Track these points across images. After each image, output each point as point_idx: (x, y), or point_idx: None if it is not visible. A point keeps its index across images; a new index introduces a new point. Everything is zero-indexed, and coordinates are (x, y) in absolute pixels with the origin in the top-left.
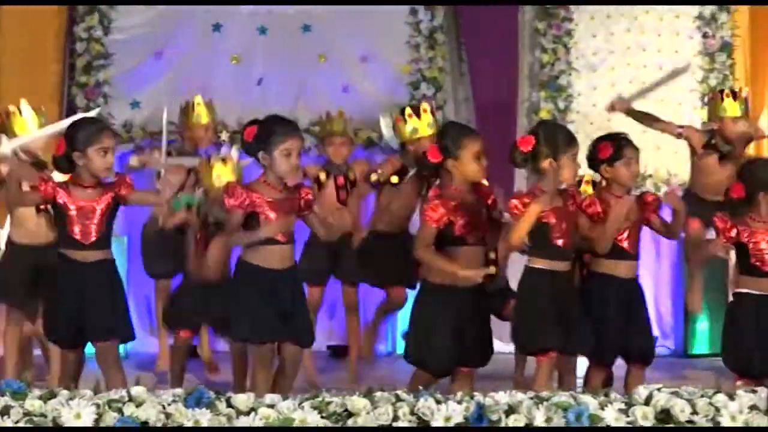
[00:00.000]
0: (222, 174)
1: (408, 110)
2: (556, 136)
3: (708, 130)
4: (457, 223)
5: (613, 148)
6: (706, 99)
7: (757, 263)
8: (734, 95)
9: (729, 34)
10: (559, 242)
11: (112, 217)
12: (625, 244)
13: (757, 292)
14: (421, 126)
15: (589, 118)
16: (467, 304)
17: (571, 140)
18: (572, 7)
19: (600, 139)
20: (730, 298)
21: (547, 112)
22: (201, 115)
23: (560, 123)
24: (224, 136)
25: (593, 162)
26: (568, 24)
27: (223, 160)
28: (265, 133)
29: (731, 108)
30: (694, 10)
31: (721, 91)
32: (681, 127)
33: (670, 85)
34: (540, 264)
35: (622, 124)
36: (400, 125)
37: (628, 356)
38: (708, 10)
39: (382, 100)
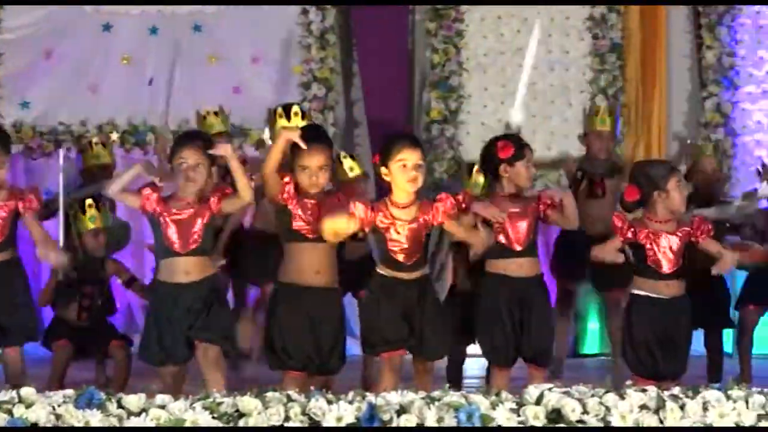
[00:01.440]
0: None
1: (279, 110)
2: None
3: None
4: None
5: (514, 148)
6: (599, 100)
7: (653, 265)
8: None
9: (619, 35)
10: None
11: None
12: (515, 243)
13: (653, 295)
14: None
15: (480, 119)
16: (317, 303)
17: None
18: (463, 8)
19: (498, 138)
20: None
21: (438, 112)
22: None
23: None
24: (114, 136)
25: (491, 161)
26: (459, 25)
27: None
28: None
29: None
30: (584, 11)
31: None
32: None
33: (560, 86)
34: (382, 271)
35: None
36: (273, 125)
37: (524, 357)
38: (598, 11)
39: (273, 100)
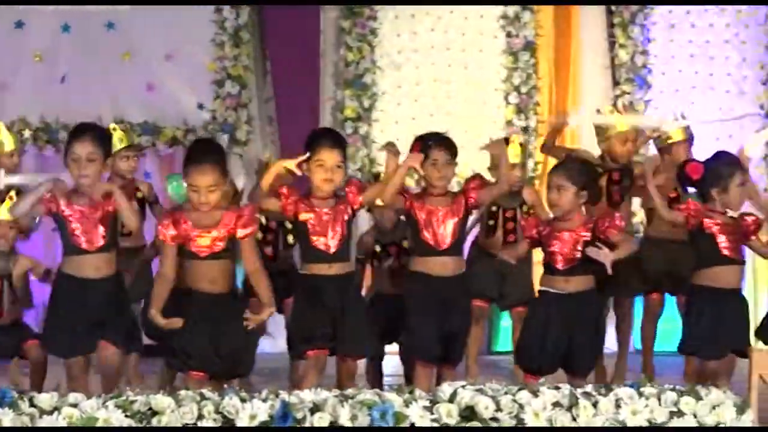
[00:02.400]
0: None
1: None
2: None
3: None
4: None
5: (420, 148)
6: (513, 98)
7: (552, 261)
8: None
9: (532, 34)
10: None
11: None
12: (439, 241)
13: (552, 291)
14: None
15: (394, 117)
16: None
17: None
18: (377, 6)
19: (419, 136)
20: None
21: (352, 110)
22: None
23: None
24: (27, 134)
25: None
26: (373, 23)
27: None
28: None
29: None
30: (498, 9)
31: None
32: None
33: (473, 84)
34: (305, 271)
35: (428, 125)
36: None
37: (439, 356)
38: (512, 9)
39: (187, 98)
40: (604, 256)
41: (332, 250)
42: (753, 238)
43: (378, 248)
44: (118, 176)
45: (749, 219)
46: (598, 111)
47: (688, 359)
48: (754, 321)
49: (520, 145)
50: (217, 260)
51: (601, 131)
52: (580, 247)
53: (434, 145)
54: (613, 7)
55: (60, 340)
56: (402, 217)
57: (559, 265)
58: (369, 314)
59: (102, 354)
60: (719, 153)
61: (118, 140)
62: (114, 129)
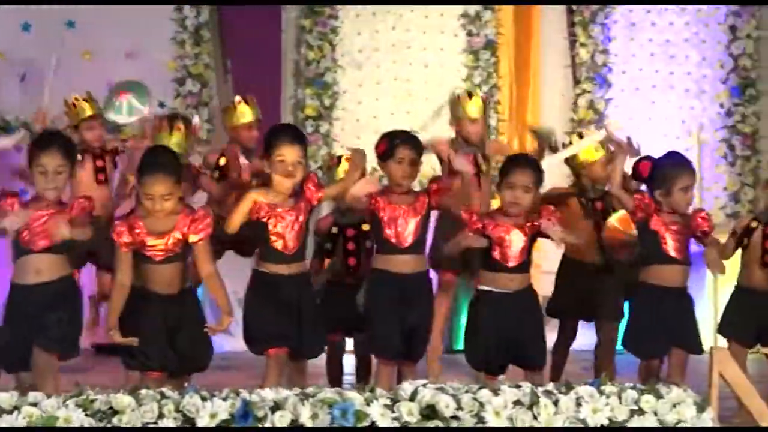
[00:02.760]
0: None
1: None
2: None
3: None
4: None
5: (386, 146)
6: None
7: (498, 257)
8: (470, 96)
9: (493, 32)
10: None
11: None
12: (401, 240)
13: (497, 290)
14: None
15: (355, 115)
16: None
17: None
18: (338, 5)
19: (386, 133)
20: None
21: (313, 109)
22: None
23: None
24: None
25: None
26: (334, 21)
27: None
28: None
29: (470, 109)
30: (458, 8)
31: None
32: None
33: (434, 83)
34: (263, 268)
35: (388, 123)
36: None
37: (401, 353)
38: (473, 8)
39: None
40: (554, 233)
41: (291, 251)
42: (706, 237)
43: (335, 230)
44: (87, 147)
45: (700, 218)
46: (564, 145)
47: None
48: (714, 320)
49: (482, 100)
50: (171, 263)
51: (576, 163)
52: (528, 245)
53: (401, 143)
54: (573, 6)
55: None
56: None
57: (511, 263)
58: (324, 305)
59: (34, 359)
60: (669, 153)
61: (81, 110)
62: (77, 99)
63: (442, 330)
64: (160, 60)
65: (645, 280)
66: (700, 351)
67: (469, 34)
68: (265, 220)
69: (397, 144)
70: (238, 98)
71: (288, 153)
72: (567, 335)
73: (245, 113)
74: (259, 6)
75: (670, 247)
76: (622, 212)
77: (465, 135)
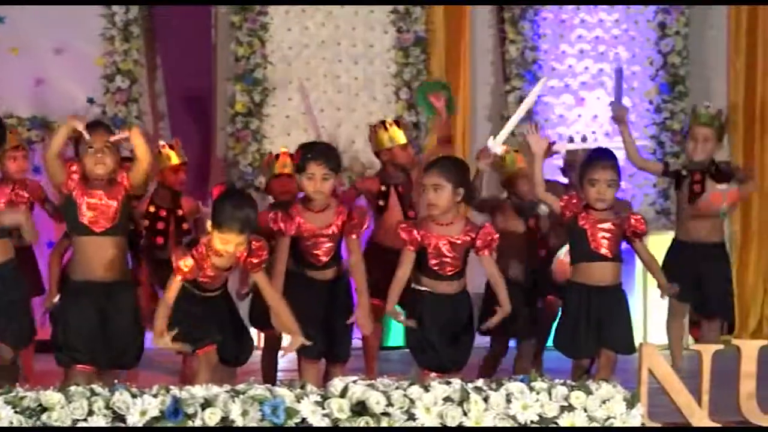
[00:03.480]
0: None
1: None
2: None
3: None
4: None
5: (300, 159)
6: (404, 94)
7: (436, 266)
8: (397, 123)
9: (423, 29)
10: None
11: None
12: (320, 259)
13: (435, 292)
14: None
15: (285, 112)
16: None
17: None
18: (269, 5)
19: (299, 146)
20: None
21: (243, 105)
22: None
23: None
24: None
25: None
26: (264, 17)
27: None
28: None
29: (398, 136)
30: (388, 5)
31: (383, 122)
32: None
33: (365, 79)
34: None
35: (319, 119)
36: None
37: (325, 352)
38: (402, 5)
39: (76, 92)
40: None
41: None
42: (636, 239)
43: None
44: (8, 177)
45: (634, 219)
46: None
47: None
48: (644, 318)
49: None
50: (111, 237)
51: (503, 179)
52: (464, 255)
53: (312, 159)
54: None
55: None
56: None
57: (449, 272)
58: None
59: None
60: (597, 148)
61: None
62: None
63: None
64: (88, 56)
65: (574, 279)
66: (630, 351)
67: (399, 30)
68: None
69: (308, 159)
70: (162, 142)
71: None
72: (498, 351)
73: (171, 156)
74: (190, 3)
75: (599, 244)
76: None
77: (397, 162)
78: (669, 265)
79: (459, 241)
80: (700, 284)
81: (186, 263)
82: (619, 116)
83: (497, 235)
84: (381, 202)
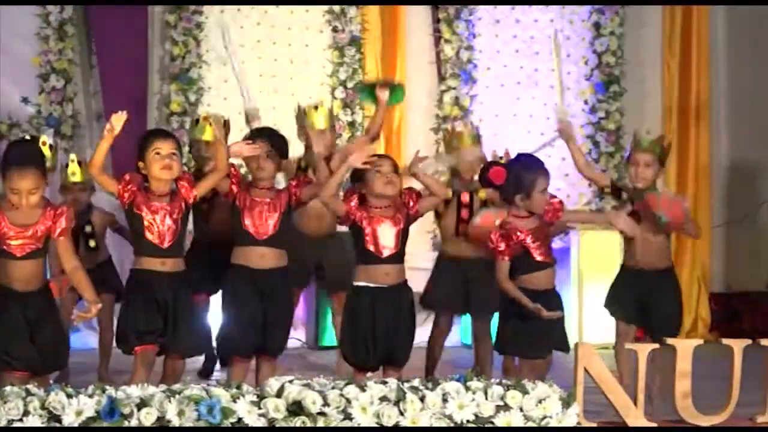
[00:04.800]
0: None
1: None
2: None
3: None
4: None
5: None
6: (339, 93)
7: (371, 248)
8: (316, 107)
9: (358, 29)
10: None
11: None
12: (260, 232)
13: (372, 285)
14: None
15: (220, 111)
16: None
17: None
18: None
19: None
20: None
21: (178, 104)
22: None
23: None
24: None
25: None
26: (198, 17)
27: None
28: None
29: (317, 120)
30: (323, 5)
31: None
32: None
33: (299, 79)
34: (138, 266)
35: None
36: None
37: (261, 349)
38: (337, 5)
39: (9, 92)
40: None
41: (165, 244)
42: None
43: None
44: None
45: (549, 208)
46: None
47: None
48: (579, 318)
49: (328, 110)
50: (31, 260)
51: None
52: (401, 237)
53: (257, 138)
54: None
55: None
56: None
57: (385, 254)
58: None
59: None
60: (522, 156)
61: None
62: None
63: None
64: (23, 55)
65: (518, 285)
66: (569, 349)
67: (335, 30)
68: (140, 212)
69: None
70: (72, 156)
71: (163, 145)
72: (441, 329)
73: (76, 173)
74: (125, 3)
75: (540, 253)
76: (483, 211)
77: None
78: (617, 289)
79: (397, 219)
80: (650, 309)
81: None
82: (563, 131)
83: (417, 190)
84: None
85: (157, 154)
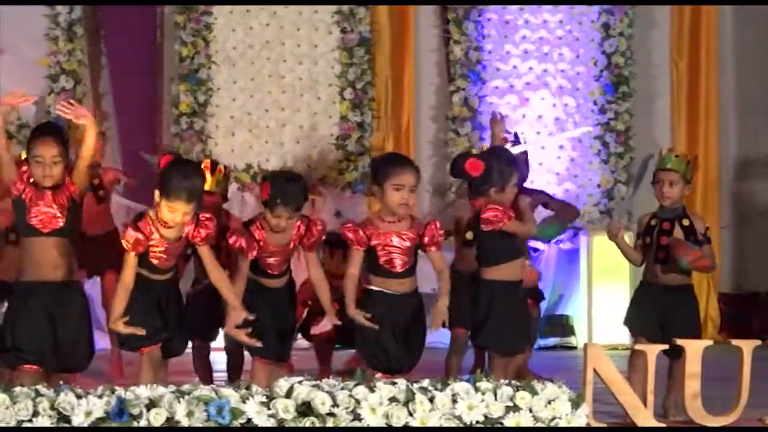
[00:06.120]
0: None
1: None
2: None
3: None
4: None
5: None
6: (348, 94)
7: (387, 264)
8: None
9: (367, 30)
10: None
11: None
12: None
13: (388, 291)
14: None
15: (229, 112)
16: (55, 299)
17: None
18: (213, 5)
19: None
20: None
21: (187, 105)
22: None
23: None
24: None
25: None
26: (208, 18)
27: None
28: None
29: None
30: (332, 5)
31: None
32: None
33: (309, 79)
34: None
35: (263, 120)
36: None
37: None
38: (346, 5)
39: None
40: None
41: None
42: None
43: None
44: None
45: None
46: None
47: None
48: (588, 319)
49: None
50: (55, 237)
51: None
52: (413, 251)
53: (281, 204)
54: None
55: None
56: None
57: (398, 269)
58: (195, 305)
59: None
60: (496, 149)
61: None
62: None
63: None
64: (32, 56)
65: (500, 278)
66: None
67: (343, 31)
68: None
69: (278, 204)
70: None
71: None
72: (458, 345)
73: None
74: (135, 3)
75: (518, 242)
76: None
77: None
78: (637, 306)
79: (406, 237)
80: (670, 325)
81: (130, 236)
82: (612, 234)
83: (443, 231)
84: None
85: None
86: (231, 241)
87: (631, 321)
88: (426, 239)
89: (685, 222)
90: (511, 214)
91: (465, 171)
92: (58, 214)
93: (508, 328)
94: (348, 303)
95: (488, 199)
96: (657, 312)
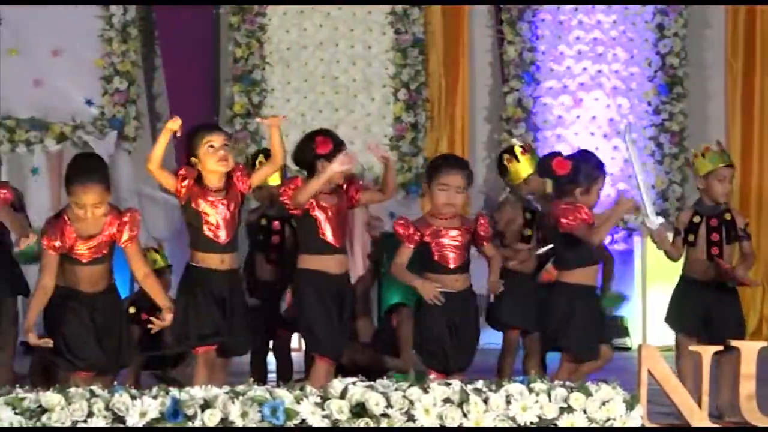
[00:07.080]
0: None
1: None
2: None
3: None
4: None
5: (332, 145)
6: (402, 95)
7: (441, 260)
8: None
9: (421, 30)
10: None
11: None
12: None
13: (445, 289)
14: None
15: (283, 113)
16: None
17: None
18: (267, 4)
19: (317, 133)
20: None
21: (241, 106)
22: None
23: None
24: None
25: (310, 156)
26: (262, 19)
27: None
28: None
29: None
30: (386, 6)
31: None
32: None
33: (363, 80)
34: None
35: (317, 121)
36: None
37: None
38: (400, 6)
39: (74, 93)
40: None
41: (223, 239)
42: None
43: (264, 221)
44: None
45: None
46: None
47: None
48: (643, 320)
49: None
50: (99, 265)
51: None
52: (466, 247)
53: (343, 145)
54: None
55: None
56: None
57: (452, 265)
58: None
59: None
60: (586, 153)
61: None
62: None
63: None
64: (86, 57)
65: (579, 282)
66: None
67: (397, 32)
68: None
69: (341, 143)
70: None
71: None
72: (511, 346)
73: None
74: (190, 3)
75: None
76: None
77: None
78: (677, 302)
79: (458, 233)
80: (712, 321)
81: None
82: (658, 240)
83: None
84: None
85: (211, 147)
86: None
87: (673, 319)
88: (480, 234)
89: (727, 216)
90: (589, 220)
91: (552, 169)
92: (100, 249)
93: (589, 333)
94: (411, 279)
95: (573, 199)
96: (701, 309)
